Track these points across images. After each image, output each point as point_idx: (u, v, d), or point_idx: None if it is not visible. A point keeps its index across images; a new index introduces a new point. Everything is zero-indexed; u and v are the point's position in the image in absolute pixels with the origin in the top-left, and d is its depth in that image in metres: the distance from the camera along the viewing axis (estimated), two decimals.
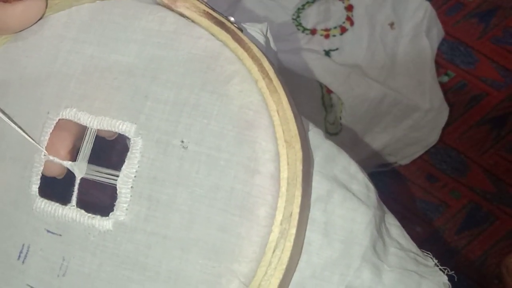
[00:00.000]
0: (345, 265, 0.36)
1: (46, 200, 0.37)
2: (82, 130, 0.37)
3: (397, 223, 0.39)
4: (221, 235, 0.34)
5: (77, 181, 0.37)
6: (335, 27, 1.11)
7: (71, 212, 0.36)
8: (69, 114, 0.37)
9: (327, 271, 0.36)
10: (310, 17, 1.12)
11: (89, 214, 0.36)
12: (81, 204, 0.37)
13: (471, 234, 1.06)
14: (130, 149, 0.36)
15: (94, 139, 0.37)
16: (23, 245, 0.37)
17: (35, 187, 0.37)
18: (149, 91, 0.36)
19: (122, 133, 0.36)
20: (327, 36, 1.10)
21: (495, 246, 1.04)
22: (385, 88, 1.09)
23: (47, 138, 0.37)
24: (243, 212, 0.34)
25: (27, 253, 0.37)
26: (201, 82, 0.36)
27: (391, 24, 1.13)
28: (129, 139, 0.36)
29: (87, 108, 0.37)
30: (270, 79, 0.35)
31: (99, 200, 0.40)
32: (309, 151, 0.37)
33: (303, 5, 1.12)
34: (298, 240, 0.35)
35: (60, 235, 0.36)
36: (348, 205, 0.37)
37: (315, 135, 0.38)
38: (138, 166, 0.35)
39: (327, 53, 1.10)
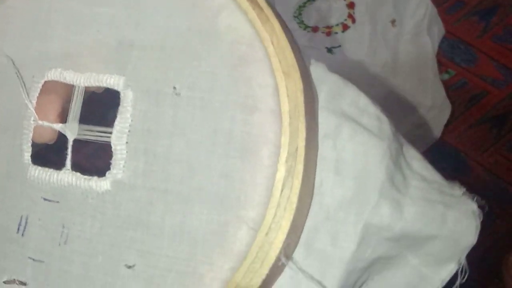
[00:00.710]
0: (361, 203, 0.34)
1: (39, 167, 0.35)
2: (70, 91, 0.36)
3: (419, 156, 0.36)
4: (223, 182, 0.32)
5: (70, 143, 0.35)
6: (337, 25, 1.10)
7: (67, 176, 0.34)
8: (54, 74, 0.35)
9: (342, 212, 0.34)
10: (312, 15, 1.11)
11: (85, 176, 0.34)
12: (76, 169, 0.35)
13: None
14: (120, 103, 0.34)
15: (82, 98, 0.35)
16: (21, 216, 0.35)
17: (27, 155, 0.35)
18: (134, 39, 0.34)
19: (110, 87, 0.34)
20: (328, 34, 1.09)
21: (495, 245, 1.02)
22: (387, 86, 1.08)
23: (34, 102, 0.35)
24: (244, 154, 0.32)
25: (26, 224, 0.35)
26: (187, 22, 0.34)
27: (393, 22, 1.13)
28: (118, 92, 0.34)
29: (72, 66, 0.35)
30: (261, 8, 0.33)
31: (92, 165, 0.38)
32: (311, 83, 0.34)
33: (305, 3, 1.11)
34: (308, 178, 0.32)
35: (58, 201, 0.34)
36: (359, 139, 0.34)
37: (318, 69, 0.35)
38: (131, 120, 0.34)
39: (329, 50, 1.09)
